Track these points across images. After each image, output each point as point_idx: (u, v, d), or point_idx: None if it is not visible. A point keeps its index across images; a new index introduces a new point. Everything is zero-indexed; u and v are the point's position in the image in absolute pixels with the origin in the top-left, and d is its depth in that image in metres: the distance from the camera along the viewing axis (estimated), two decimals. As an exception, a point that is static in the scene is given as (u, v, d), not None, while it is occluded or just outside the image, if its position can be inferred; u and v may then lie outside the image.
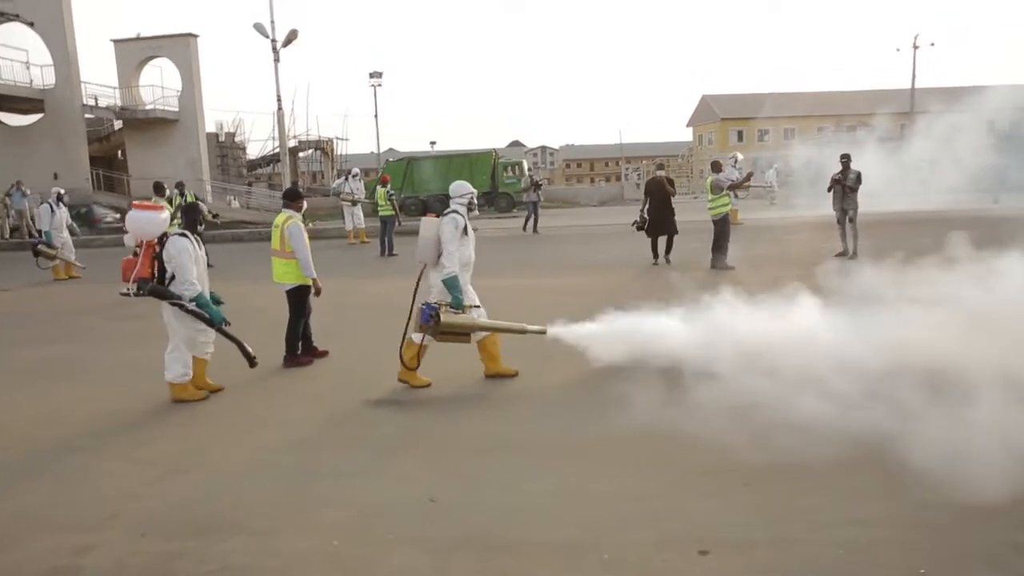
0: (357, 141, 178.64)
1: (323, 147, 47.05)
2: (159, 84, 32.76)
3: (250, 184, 43.26)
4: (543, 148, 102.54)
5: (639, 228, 13.20)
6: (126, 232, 6.41)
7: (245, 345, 6.01)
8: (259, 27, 21.42)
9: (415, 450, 4.82)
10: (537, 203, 20.94)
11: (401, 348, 6.06)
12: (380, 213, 17.17)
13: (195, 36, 32.05)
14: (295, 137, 46.53)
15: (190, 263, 5.78)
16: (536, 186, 21.24)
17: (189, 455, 4.85)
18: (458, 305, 5.79)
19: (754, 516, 3.66)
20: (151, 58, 32.76)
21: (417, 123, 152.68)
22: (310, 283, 7.12)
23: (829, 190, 12.58)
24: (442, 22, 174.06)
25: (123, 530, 3.81)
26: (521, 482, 4.22)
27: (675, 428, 4.80)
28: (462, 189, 6.18)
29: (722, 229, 12.50)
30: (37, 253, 14.23)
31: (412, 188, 33.87)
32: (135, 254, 5.96)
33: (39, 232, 14.77)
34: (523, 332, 6.16)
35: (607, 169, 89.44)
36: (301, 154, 48.41)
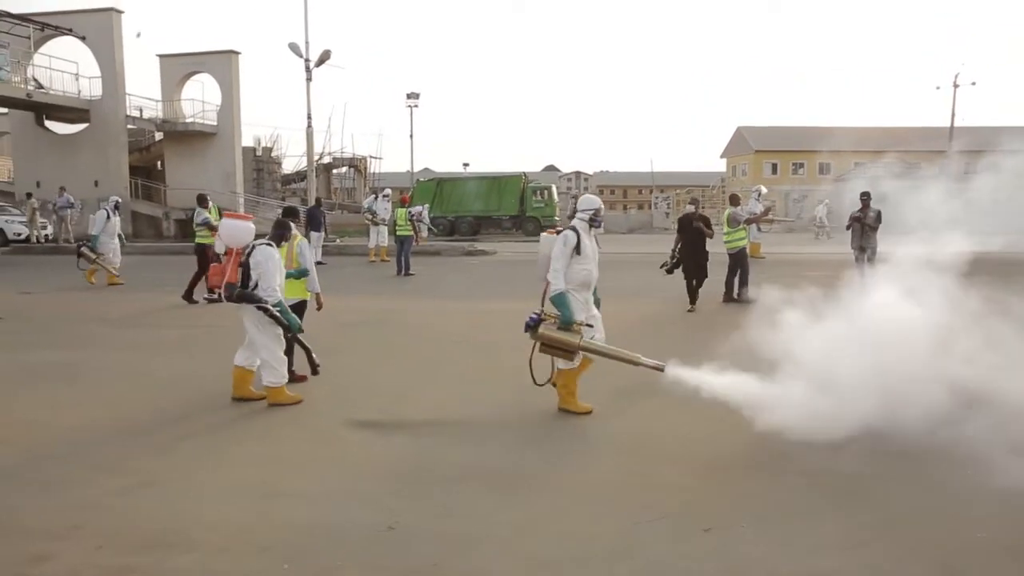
0: (392, 160, 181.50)
1: (356, 165, 47.85)
2: (200, 98, 33.66)
3: (283, 199, 44.05)
4: (577, 173, 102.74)
5: (668, 271, 11.61)
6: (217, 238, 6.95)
7: (313, 354, 6.37)
8: (294, 47, 21.95)
9: (386, 475, 4.78)
10: None
11: (532, 370, 5.72)
12: (398, 233, 17.33)
13: (237, 53, 32.90)
14: (330, 154, 47.62)
15: (276, 271, 6.14)
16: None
17: (162, 468, 4.87)
18: (568, 322, 5.59)
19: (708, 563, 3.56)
20: (194, 73, 33.68)
21: (452, 144, 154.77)
22: (308, 298, 7.17)
23: (848, 228, 12.37)
24: (480, 45, 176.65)
25: (82, 541, 3.83)
26: (487, 513, 4.17)
27: (650, 469, 4.72)
28: (587, 204, 6.02)
29: (738, 262, 12.37)
30: (80, 255, 14.78)
31: (441, 208, 34.17)
32: (217, 260, 6.45)
33: (87, 237, 15.34)
34: (635, 364, 5.62)
35: (640, 197, 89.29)
36: (335, 171, 49.35)
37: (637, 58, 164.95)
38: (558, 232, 5.90)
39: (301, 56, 22.91)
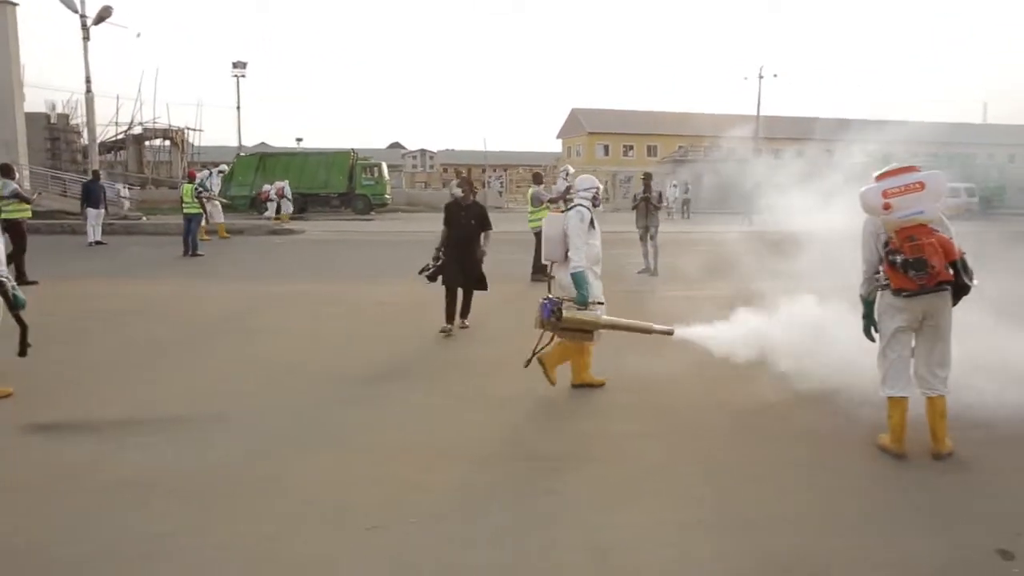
0: (221, 133, 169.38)
1: (172, 137, 44.01)
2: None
3: (85, 172, 39.71)
4: (423, 151, 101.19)
5: (430, 278, 8.02)
6: None
7: (27, 334, 5.72)
8: (67, 0, 19.41)
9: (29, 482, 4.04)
10: None
11: (536, 353, 5.65)
12: (184, 211, 15.95)
13: (13, 4, 28.82)
14: (140, 124, 43.46)
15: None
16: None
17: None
18: (583, 301, 5.52)
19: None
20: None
21: (292, 118, 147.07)
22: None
23: (634, 208, 12.76)
24: (321, 16, 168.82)
25: None
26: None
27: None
28: (587, 183, 5.96)
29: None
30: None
31: (262, 185, 32.15)
32: None
33: None
34: (648, 332, 5.76)
35: (484, 176, 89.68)
36: (147, 143, 45.14)
37: (485, 36, 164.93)
38: (562, 212, 5.77)
39: (76, 11, 20.34)
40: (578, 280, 5.53)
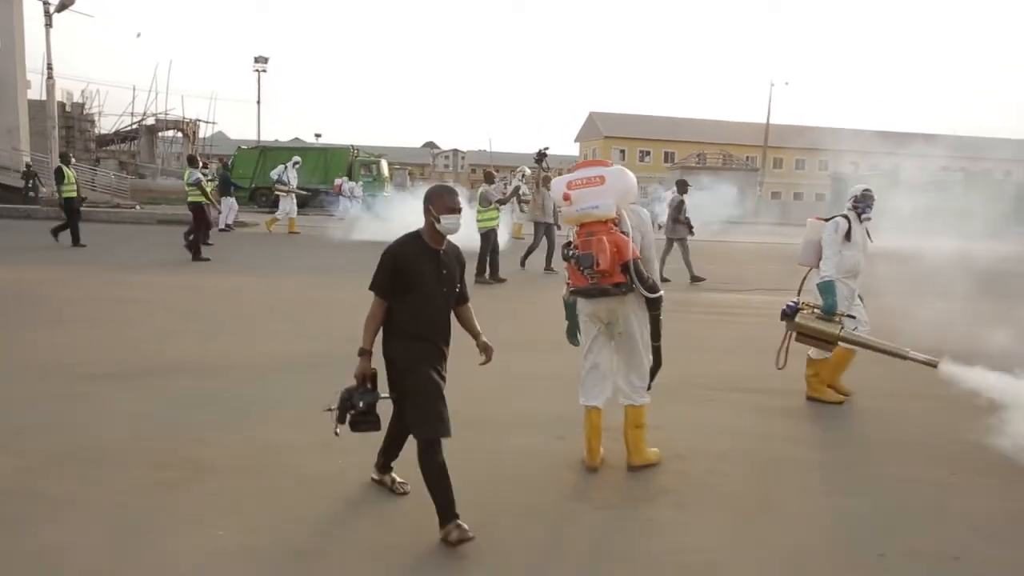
0: (243, 128, 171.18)
1: (183, 128, 44.35)
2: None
3: (97, 161, 40.19)
4: (455, 151, 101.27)
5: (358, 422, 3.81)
6: None
7: None
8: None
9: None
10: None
11: (780, 354, 5.45)
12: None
13: (20, -7, 29.23)
14: (154, 115, 43.85)
15: None
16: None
17: None
18: (830, 311, 5.31)
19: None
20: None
21: (330, 117, 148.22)
22: None
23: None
24: (368, 17, 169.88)
25: None
26: None
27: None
28: (852, 192, 5.86)
29: (487, 243, 12.13)
30: None
31: (264, 178, 32.15)
32: None
33: None
34: (904, 357, 5.10)
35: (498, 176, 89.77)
36: (161, 134, 45.56)
37: (522, 39, 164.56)
38: (827, 220, 5.74)
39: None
40: (823, 288, 5.48)
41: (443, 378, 3.50)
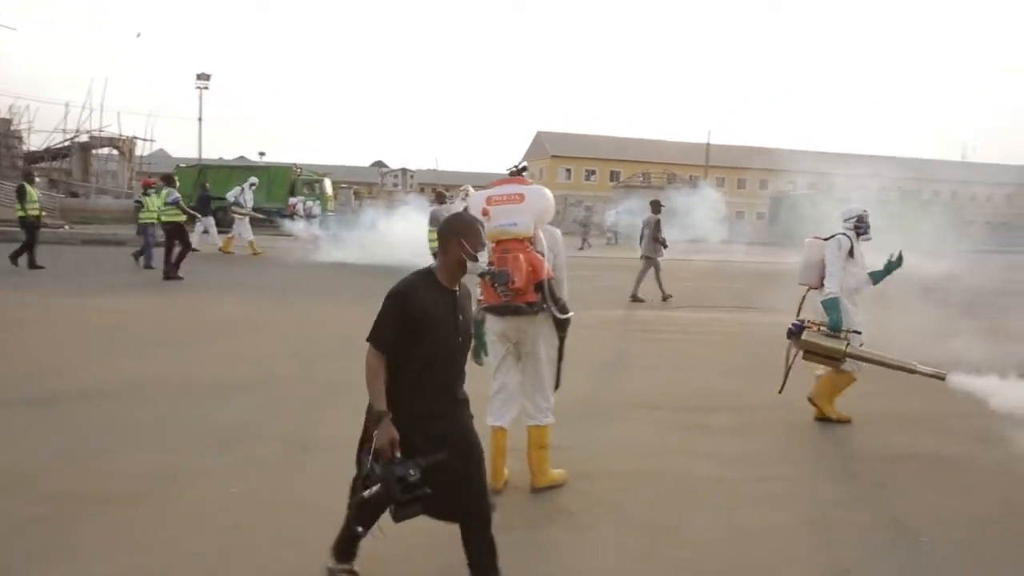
0: (185, 147, 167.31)
1: (119, 146, 43.07)
2: None
3: (28, 176, 38.61)
4: (403, 170, 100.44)
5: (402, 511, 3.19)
6: None
7: None
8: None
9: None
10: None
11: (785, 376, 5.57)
12: (141, 220, 16.07)
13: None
14: (88, 132, 42.47)
15: None
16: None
17: None
18: (835, 327, 5.44)
19: None
20: None
21: (272, 136, 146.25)
22: None
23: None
24: (310, 35, 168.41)
25: None
26: None
27: None
28: (847, 213, 5.91)
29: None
30: None
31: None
32: None
33: None
34: (912, 372, 5.27)
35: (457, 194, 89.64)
36: (95, 151, 44.14)
37: (471, 58, 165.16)
38: (826, 239, 5.77)
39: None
40: (828, 306, 5.55)
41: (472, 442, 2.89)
